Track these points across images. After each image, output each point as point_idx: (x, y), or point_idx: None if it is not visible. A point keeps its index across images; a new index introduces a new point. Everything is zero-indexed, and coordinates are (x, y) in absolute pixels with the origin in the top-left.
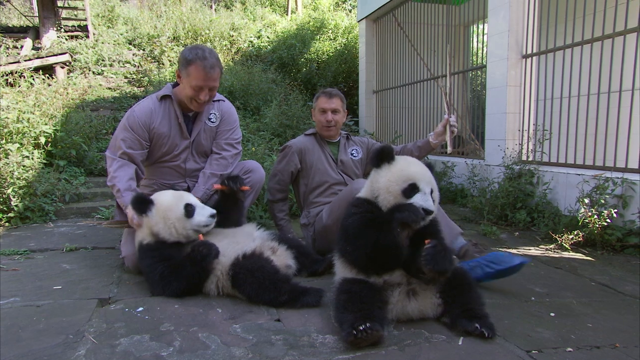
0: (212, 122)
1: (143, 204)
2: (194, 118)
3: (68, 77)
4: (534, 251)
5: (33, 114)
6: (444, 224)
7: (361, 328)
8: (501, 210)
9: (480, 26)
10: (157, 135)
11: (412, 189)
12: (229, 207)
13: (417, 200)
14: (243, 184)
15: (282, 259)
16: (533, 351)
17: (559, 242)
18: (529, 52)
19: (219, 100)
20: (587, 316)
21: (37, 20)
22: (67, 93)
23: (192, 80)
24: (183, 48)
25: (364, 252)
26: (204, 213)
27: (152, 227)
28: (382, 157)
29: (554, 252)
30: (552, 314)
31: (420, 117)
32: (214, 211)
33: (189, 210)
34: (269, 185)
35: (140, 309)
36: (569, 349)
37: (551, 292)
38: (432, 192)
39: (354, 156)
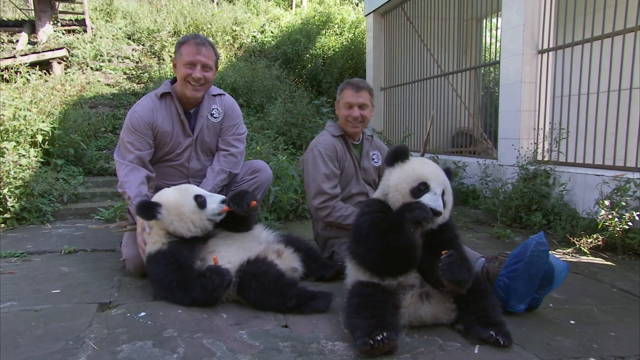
0: (215, 117)
1: (150, 209)
2: (195, 114)
3: (65, 72)
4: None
5: (30, 111)
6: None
7: (379, 338)
8: (515, 212)
9: (494, 20)
10: (160, 134)
11: (421, 188)
12: (239, 221)
13: (426, 199)
14: (252, 199)
15: (288, 261)
16: None
17: (577, 246)
18: (545, 47)
19: (220, 95)
20: (609, 324)
21: (32, 13)
22: (65, 89)
23: (184, 58)
24: None
25: (375, 253)
26: (214, 200)
27: (167, 227)
28: (396, 156)
29: (572, 256)
30: (572, 322)
31: (430, 115)
32: (223, 197)
33: (200, 201)
34: (321, 204)
35: (142, 314)
36: (592, 358)
37: (570, 299)
38: (443, 194)
39: (375, 162)
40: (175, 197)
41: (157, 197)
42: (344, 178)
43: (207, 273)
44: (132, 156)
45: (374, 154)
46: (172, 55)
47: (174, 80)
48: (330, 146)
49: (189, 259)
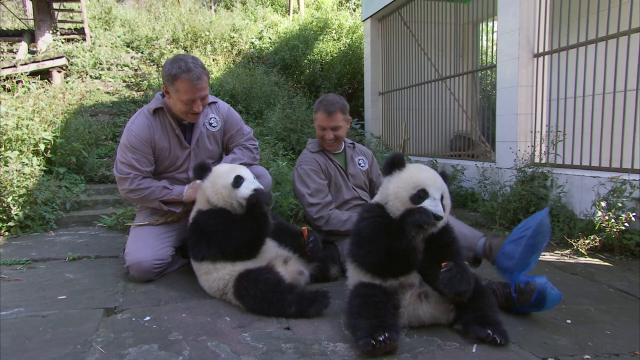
0: (214, 126)
1: (203, 171)
2: (190, 126)
3: (65, 81)
4: (548, 257)
5: (32, 120)
6: (465, 231)
7: (381, 339)
8: (514, 215)
9: (490, 24)
10: (159, 150)
11: (421, 195)
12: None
13: (426, 205)
14: (313, 251)
15: (294, 266)
16: (549, 358)
17: (575, 247)
18: (541, 50)
19: (213, 103)
20: (606, 323)
21: (32, 23)
22: (65, 98)
23: (182, 96)
24: (173, 55)
25: (377, 256)
26: (248, 186)
27: (205, 191)
28: (393, 164)
29: (570, 257)
30: (569, 321)
31: (428, 120)
32: (261, 186)
33: (237, 181)
34: (316, 214)
35: (147, 318)
36: (587, 356)
37: (567, 299)
38: (442, 198)
39: (362, 166)
40: (221, 170)
41: (215, 167)
42: (334, 187)
43: (247, 201)
44: (137, 173)
45: (359, 159)
46: None
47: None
48: (311, 161)
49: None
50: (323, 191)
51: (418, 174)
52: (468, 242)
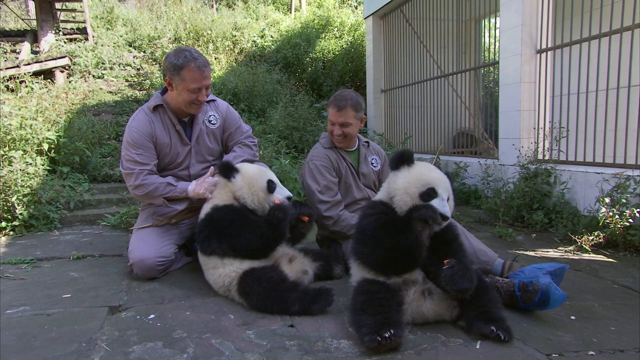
0: (213, 124)
1: (230, 169)
2: (190, 122)
3: (68, 81)
4: (552, 253)
5: (36, 120)
6: (479, 252)
7: (387, 335)
8: (517, 212)
9: (492, 20)
10: (159, 146)
11: (430, 193)
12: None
13: (434, 204)
14: (305, 214)
15: (299, 265)
16: (553, 355)
17: (579, 243)
18: (544, 46)
19: (212, 101)
20: (610, 319)
21: (34, 23)
22: (68, 98)
23: (189, 84)
24: (174, 48)
25: (381, 253)
26: (282, 193)
27: (236, 191)
28: (402, 159)
29: (574, 254)
30: (573, 317)
31: (431, 117)
32: (290, 194)
33: (271, 186)
34: (326, 212)
35: (152, 316)
36: (591, 352)
37: (571, 295)
38: (448, 199)
39: (374, 166)
40: (254, 171)
41: (238, 165)
42: (344, 186)
43: (270, 211)
44: (138, 168)
45: (373, 159)
46: None
47: (163, 91)
48: (323, 157)
49: (254, 217)
50: (333, 189)
51: (428, 172)
52: (487, 257)
